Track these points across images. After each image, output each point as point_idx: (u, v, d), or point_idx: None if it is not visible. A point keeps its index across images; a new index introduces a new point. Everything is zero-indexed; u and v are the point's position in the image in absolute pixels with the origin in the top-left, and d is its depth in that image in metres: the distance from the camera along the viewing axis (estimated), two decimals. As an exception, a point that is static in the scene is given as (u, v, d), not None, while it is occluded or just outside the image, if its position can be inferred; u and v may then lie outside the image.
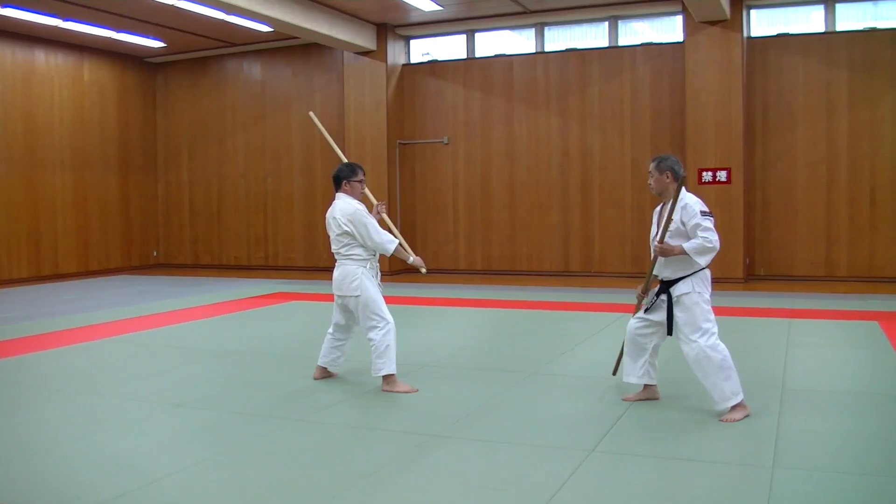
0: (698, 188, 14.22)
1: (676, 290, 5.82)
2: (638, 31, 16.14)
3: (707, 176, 14.26)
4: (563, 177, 16.20)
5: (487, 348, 8.90)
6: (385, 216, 7.38)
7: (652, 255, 6.01)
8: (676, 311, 5.83)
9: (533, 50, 16.63)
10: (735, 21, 14.21)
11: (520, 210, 16.56)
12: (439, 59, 17.51)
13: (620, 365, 6.54)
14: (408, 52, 17.65)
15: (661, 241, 5.81)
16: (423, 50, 17.75)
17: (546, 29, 16.53)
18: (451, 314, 11.45)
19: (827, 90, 14.36)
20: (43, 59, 17.21)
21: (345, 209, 6.87)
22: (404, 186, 17.32)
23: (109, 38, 16.99)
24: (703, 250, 5.72)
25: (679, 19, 15.11)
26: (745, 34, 14.48)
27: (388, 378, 6.74)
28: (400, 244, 6.99)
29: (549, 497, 4.34)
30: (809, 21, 14.82)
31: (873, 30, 14.22)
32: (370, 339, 6.76)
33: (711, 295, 5.89)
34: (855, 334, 9.24)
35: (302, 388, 6.98)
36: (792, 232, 14.63)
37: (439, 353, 8.34)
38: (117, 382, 7.36)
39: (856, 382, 6.96)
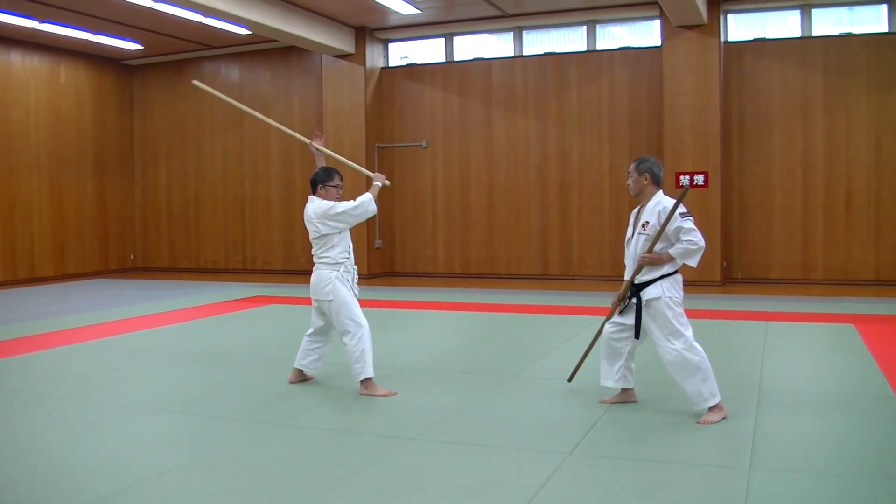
0: (675, 192, 14.26)
1: (646, 294, 5.84)
2: (616, 36, 16.20)
3: (684, 179, 14.32)
4: (542, 180, 16.23)
5: (466, 352, 8.89)
6: (321, 147, 7.48)
7: (629, 259, 6.04)
8: (645, 316, 5.86)
9: (511, 54, 16.66)
10: (712, 26, 14.28)
11: (498, 213, 16.58)
12: (418, 62, 17.51)
13: (579, 369, 6.65)
14: (386, 56, 17.64)
15: (650, 251, 5.82)
16: (402, 53, 17.75)
17: (524, 33, 16.56)
18: (430, 317, 11.44)
19: (803, 94, 14.46)
20: (19, 61, 17.09)
21: (317, 209, 6.93)
22: (383, 189, 17.25)
23: (86, 40, 16.89)
24: (689, 253, 5.76)
25: (657, 24, 15.18)
26: (722, 39, 14.56)
27: (365, 382, 6.73)
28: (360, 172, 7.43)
29: (527, 500, 4.35)
30: (786, 26, 14.93)
31: (848, 35, 14.33)
32: (345, 344, 6.78)
33: (685, 298, 5.92)
34: (831, 337, 9.30)
35: (281, 392, 6.96)
36: (768, 235, 14.72)
37: (418, 356, 8.34)
38: (95, 387, 7.31)
39: (832, 384, 7.00)
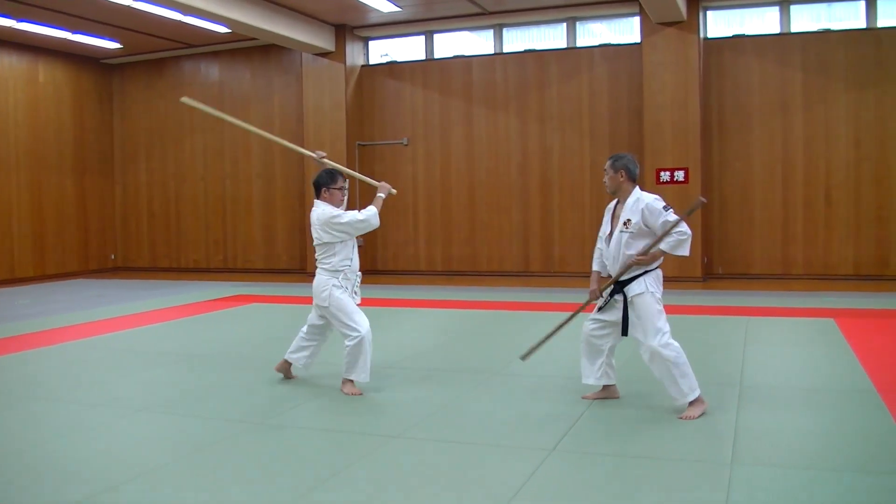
0: (656, 188, 14.32)
1: (631, 291, 5.85)
2: (596, 33, 16.23)
3: (665, 176, 14.38)
4: (523, 177, 16.25)
5: (448, 349, 8.90)
6: (326, 160, 7.17)
7: (609, 257, 6.04)
8: (630, 312, 5.87)
9: (491, 51, 16.67)
10: (692, 22, 14.33)
11: (480, 211, 16.59)
12: (398, 60, 17.49)
13: (535, 351, 6.65)
14: (366, 54, 17.61)
15: (644, 253, 5.82)
16: (382, 51, 17.72)
17: (504, 30, 16.57)
18: (412, 315, 11.44)
19: (782, 90, 14.54)
20: (-4, 61, 17.00)
21: (321, 215, 6.77)
22: (363, 188, 17.26)
23: (64, 39, 16.78)
24: (680, 244, 5.80)
25: (636, 20, 15.21)
26: (701, 35, 14.62)
27: (346, 382, 6.73)
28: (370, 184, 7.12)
29: (510, 497, 4.36)
30: (764, 22, 15.00)
31: (827, 31, 14.41)
32: (345, 346, 6.74)
33: (665, 294, 5.94)
34: (811, 331, 9.35)
35: (263, 392, 6.95)
36: (749, 231, 14.79)
37: (400, 354, 8.34)
38: (76, 387, 7.28)
39: (812, 379, 7.04)
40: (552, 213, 16.06)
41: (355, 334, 6.63)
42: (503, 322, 10.69)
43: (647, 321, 5.76)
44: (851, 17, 14.51)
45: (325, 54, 16.85)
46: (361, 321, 6.72)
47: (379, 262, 17.48)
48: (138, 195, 19.68)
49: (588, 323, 6.20)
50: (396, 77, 17.29)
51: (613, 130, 15.55)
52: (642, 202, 5.87)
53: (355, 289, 6.91)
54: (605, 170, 6.15)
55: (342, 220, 6.74)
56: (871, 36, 14.10)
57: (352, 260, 6.91)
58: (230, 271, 18.48)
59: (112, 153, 19.81)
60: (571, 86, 15.88)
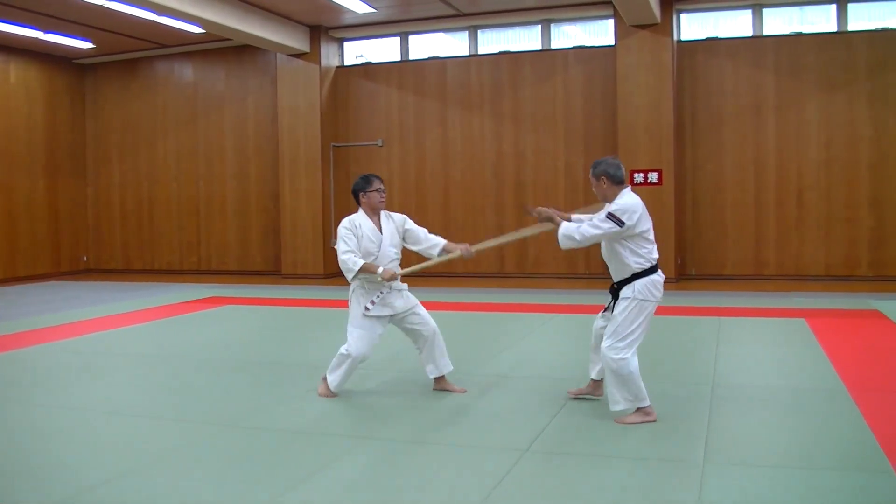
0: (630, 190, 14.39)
1: (621, 293, 5.84)
2: (570, 35, 16.29)
3: (639, 177, 14.44)
4: (497, 178, 16.28)
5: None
6: (479, 246, 6.84)
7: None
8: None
9: (466, 52, 16.69)
10: (665, 25, 14.42)
11: (454, 212, 16.61)
12: (373, 61, 17.48)
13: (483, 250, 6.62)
14: (341, 55, 17.59)
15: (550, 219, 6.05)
16: (357, 52, 17.71)
17: (479, 32, 16.60)
18: (387, 316, 11.41)
19: (755, 93, 14.65)
20: (-33, 61, 16.86)
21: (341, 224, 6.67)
22: (338, 189, 17.25)
23: (36, 38, 16.64)
24: (568, 234, 5.82)
25: (610, 23, 15.28)
26: (675, 38, 14.71)
27: (323, 380, 6.71)
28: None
29: (483, 497, 4.37)
30: (737, 25, 15.11)
31: (799, 34, 14.54)
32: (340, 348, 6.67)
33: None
34: (783, 331, 9.43)
35: (237, 394, 6.92)
36: (722, 232, 14.89)
37: (375, 355, 8.32)
38: (49, 390, 7.21)
39: (784, 378, 7.10)
40: (527, 214, 16.06)
41: (346, 350, 6.55)
42: (478, 323, 10.70)
43: (615, 324, 5.74)
44: (823, 21, 14.64)
45: (299, 55, 16.81)
46: (358, 343, 6.52)
47: (354, 264, 17.42)
48: (111, 196, 19.55)
49: (597, 320, 6.19)
50: (371, 78, 17.27)
51: (587, 132, 15.60)
52: (621, 198, 5.84)
53: (377, 298, 6.57)
54: (590, 179, 6.09)
55: (338, 240, 6.63)
56: (842, 39, 14.24)
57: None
58: (204, 273, 18.40)
59: (84, 154, 19.67)
60: (546, 87, 15.93)
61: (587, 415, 5.97)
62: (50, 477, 4.86)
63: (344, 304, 6.99)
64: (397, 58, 17.25)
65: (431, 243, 6.79)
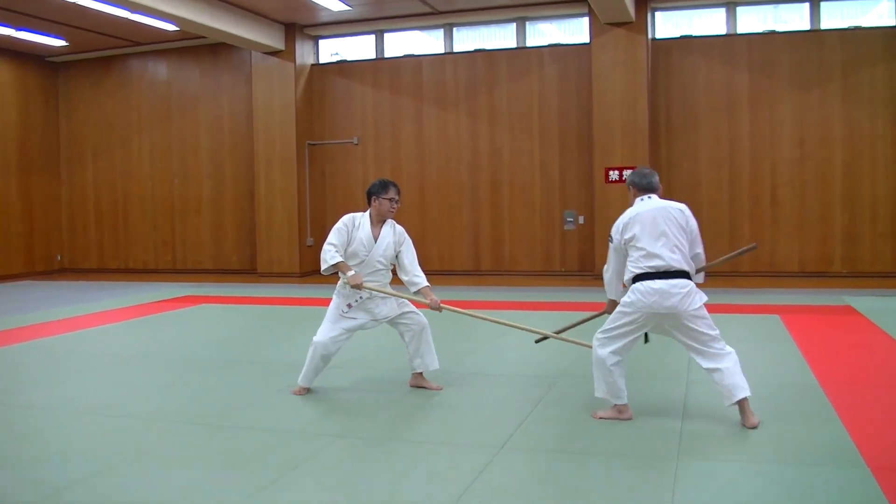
0: (605, 187, 14.48)
1: None
2: (545, 33, 16.32)
3: (613, 175, 14.49)
4: (473, 177, 16.30)
5: (397, 348, 8.87)
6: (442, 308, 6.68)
7: None
8: None
9: (442, 50, 16.69)
10: (640, 23, 14.47)
11: (430, 210, 16.60)
12: (348, 59, 17.45)
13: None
14: (316, 53, 17.55)
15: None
16: (332, 50, 17.67)
17: (455, 29, 16.60)
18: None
19: (728, 91, 14.73)
20: (-63, 59, 16.68)
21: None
22: (314, 187, 17.22)
23: (8, 36, 16.51)
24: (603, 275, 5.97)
25: (585, 21, 15.32)
26: (649, 36, 14.76)
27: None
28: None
29: (459, 494, 4.36)
30: (712, 23, 15.18)
31: (772, 32, 14.64)
32: None
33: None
34: (757, 328, 9.48)
35: (212, 393, 6.89)
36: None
37: (349, 354, 8.30)
38: (21, 390, 7.16)
39: (758, 374, 7.12)
40: (502, 212, 16.12)
41: (314, 339, 6.57)
42: (453, 320, 10.67)
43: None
44: (796, 19, 14.75)
45: (274, 53, 16.76)
46: (322, 330, 6.57)
47: (330, 262, 17.39)
48: (85, 195, 19.41)
49: None
50: (346, 76, 17.24)
51: (563, 130, 15.64)
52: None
53: (355, 303, 6.56)
54: None
55: (332, 231, 6.56)
56: (815, 38, 14.34)
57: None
58: (179, 272, 18.31)
59: (58, 152, 19.52)
60: (521, 85, 15.95)
61: (562, 412, 5.98)
62: (22, 477, 4.81)
63: (318, 302, 6.97)
64: (372, 56, 17.22)
65: (413, 280, 6.67)
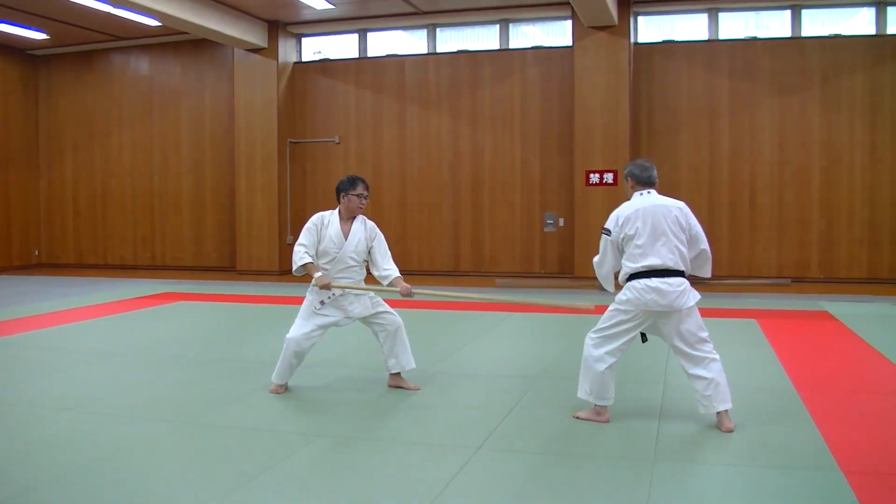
0: (585, 190, 14.53)
1: None
2: (528, 35, 16.35)
3: (594, 178, 14.54)
4: (454, 177, 16.30)
5: (376, 348, 8.87)
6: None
7: None
8: None
9: (425, 51, 16.69)
10: (623, 27, 14.51)
11: (411, 210, 16.60)
12: (331, 57, 17.42)
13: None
14: (299, 51, 17.51)
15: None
16: (315, 48, 17.64)
17: (438, 30, 16.61)
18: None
19: (709, 96, 14.80)
20: (-83, 50, 16.54)
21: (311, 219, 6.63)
22: (295, 185, 17.18)
23: (-11, 29, 16.42)
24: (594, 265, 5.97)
25: (568, 24, 15.35)
26: (632, 40, 14.81)
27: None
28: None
29: (436, 494, 4.38)
30: (694, 29, 15.25)
31: (753, 39, 14.72)
32: None
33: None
34: (734, 331, 9.55)
35: (189, 391, 6.88)
36: (676, 233, 14.99)
37: (327, 353, 8.30)
38: (-5, 384, 7.14)
39: (734, 378, 7.15)
40: (483, 213, 16.13)
41: (287, 336, 6.59)
42: (432, 321, 10.71)
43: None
44: (777, 26, 14.84)
45: (257, 50, 16.72)
46: (295, 327, 6.61)
47: (309, 261, 17.36)
48: (64, 190, 19.29)
49: None
50: (329, 75, 17.21)
51: (544, 132, 15.67)
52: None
53: (328, 299, 6.58)
54: None
55: (303, 230, 6.64)
56: (796, 44, 14.44)
57: (328, 272, 6.59)
58: (158, 268, 18.23)
59: (37, 147, 19.38)
60: (503, 87, 15.97)
61: (540, 413, 6.01)
62: (-3, 473, 4.80)
63: (298, 301, 6.96)
64: (355, 55, 17.20)
65: (383, 274, 6.74)
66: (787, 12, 14.63)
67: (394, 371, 6.78)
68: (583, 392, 5.73)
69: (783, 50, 14.47)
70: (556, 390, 6.53)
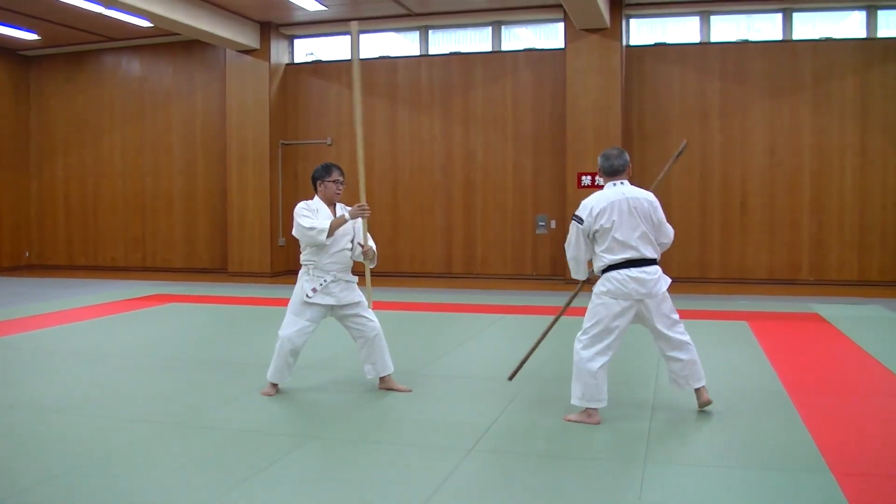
0: (577, 192, 14.53)
1: None
2: (520, 37, 16.38)
3: (586, 180, 14.56)
4: (446, 179, 16.31)
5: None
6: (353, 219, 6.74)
7: None
8: None
9: (417, 53, 16.70)
10: (615, 29, 14.54)
11: (403, 212, 16.60)
12: (323, 59, 17.42)
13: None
14: (291, 52, 17.51)
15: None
16: (307, 50, 17.64)
17: (430, 32, 16.62)
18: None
19: (701, 98, 14.85)
20: None
21: (297, 208, 6.61)
22: (286, 187, 17.16)
23: (-21, 29, 16.38)
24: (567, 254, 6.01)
25: (561, 26, 15.38)
26: (624, 42, 14.84)
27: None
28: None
29: (428, 495, 4.37)
30: (685, 31, 15.29)
31: (745, 42, 14.77)
32: None
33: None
34: (726, 334, 9.54)
35: (181, 393, 6.85)
36: (667, 235, 15.02)
37: (321, 354, 8.29)
38: (-15, 386, 7.10)
39: (725, 380, 7.19)
40: (475, 215, 16.15)
41: (280, 334, 6.57)
42: (425, 323, 10.71)
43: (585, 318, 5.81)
44: (769, 29, 14.90)
45: (249, 51, 16.71)
46: (287, 323, 6.58)
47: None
48: (55, 191, 19.25)
49: None
50: (321, 76, 17.21)
51: (536, 134, 15.69)
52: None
53: (320, 286, 6.53)
54: None
55: (297, 220, 6.55)
56: (787, 48, 14.49)
57: (319, 258, 6.57)
58: (149, 270, 18.20)
59: (28, 147, 19.34)
60: (496, 89, 15.99)
61: (532, 415, 6.00)
62: (-14, 475, 4.78)
63: (284, 303, 6.94)
64: (348, 56, 17.18)
65: (360, 251, 6.74)
66: (779, 15, 14.69)
67: (370, 376, 6.76)
68: (576, 398, 5.72)
69: (774, 53, 14.52)
70: (548, 392, 6.52)
